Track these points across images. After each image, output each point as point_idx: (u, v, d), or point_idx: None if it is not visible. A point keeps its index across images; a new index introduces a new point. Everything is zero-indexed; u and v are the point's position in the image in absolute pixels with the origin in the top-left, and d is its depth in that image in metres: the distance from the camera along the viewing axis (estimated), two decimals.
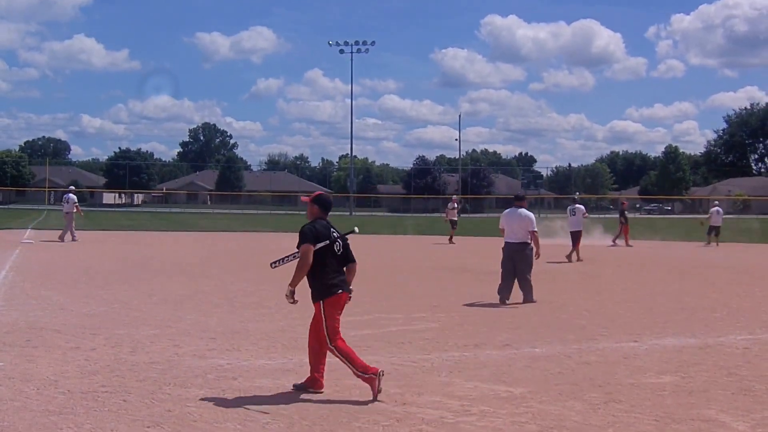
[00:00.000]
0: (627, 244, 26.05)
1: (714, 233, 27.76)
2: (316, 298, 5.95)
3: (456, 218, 27.97)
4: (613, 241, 26.49)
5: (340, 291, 5.96)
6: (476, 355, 7.55)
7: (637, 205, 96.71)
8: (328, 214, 6.22)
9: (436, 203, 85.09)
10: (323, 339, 5.92)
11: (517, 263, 11.39)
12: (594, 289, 13.62)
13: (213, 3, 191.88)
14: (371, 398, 5.76)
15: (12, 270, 15.11)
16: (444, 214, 28.07)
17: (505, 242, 11.59)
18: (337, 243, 6.03)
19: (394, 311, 10.41)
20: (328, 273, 5.94)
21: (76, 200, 25.97)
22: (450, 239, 27.17)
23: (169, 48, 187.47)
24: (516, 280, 11.45)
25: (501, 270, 11.56)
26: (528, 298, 11.39)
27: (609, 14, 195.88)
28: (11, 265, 16.02)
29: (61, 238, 24.26)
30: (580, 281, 15.04)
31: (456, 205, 28.41)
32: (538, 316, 10.19)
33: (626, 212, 27.51)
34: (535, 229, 11.49)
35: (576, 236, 20.11)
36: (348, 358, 5.87)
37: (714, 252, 24.96)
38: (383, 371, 5.84)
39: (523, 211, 11.58)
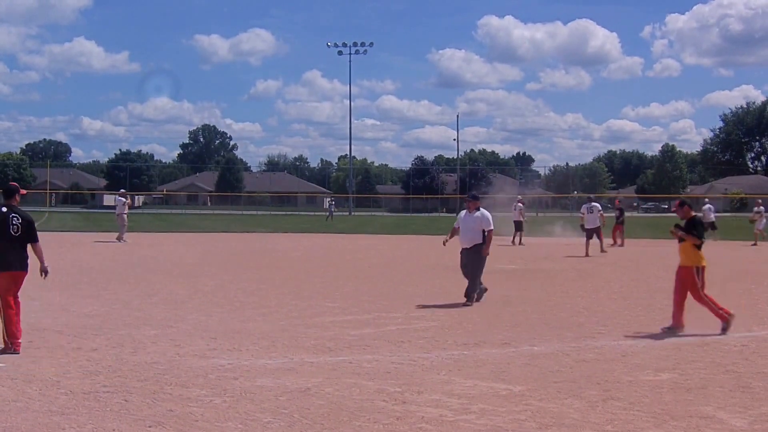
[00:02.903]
0: (615, 244, 25.32)
1: (710, 229, 28.64)
2: None
3: (520, 219, 26.52)
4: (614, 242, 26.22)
5: (11, 270, 7.35)
6: (475, 354, 7.59)
7: (635, 204, 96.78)
8: (10, 199, 7.56)
9: (434, 203, 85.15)
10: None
11: None
12: (592, 287, 13.66)
13: (211, 5, 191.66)
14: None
15: None
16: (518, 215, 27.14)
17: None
18: (12, 226, 7.33)
19: (394, 310, 10.45)
20: (2, 251, 7.30)
21: (123, 202, 26.35)
22: (514, 240, 26.01)
23: (169, 50, 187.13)
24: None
25: (483, 270, 11.39)
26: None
27: (604, 14, 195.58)
28: None
29: (119, 239, 25.37)
30: (578, 279, 15.08)
31: (521, 206, 27.00)
32: (536, 315, 10.24)
33: (617, 211, 26.66)
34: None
35: (596, 232, 21.81)
36: (7, 321, 7.26)
37: (710, 250, 24.98)
38: (18, 351, 7.13)
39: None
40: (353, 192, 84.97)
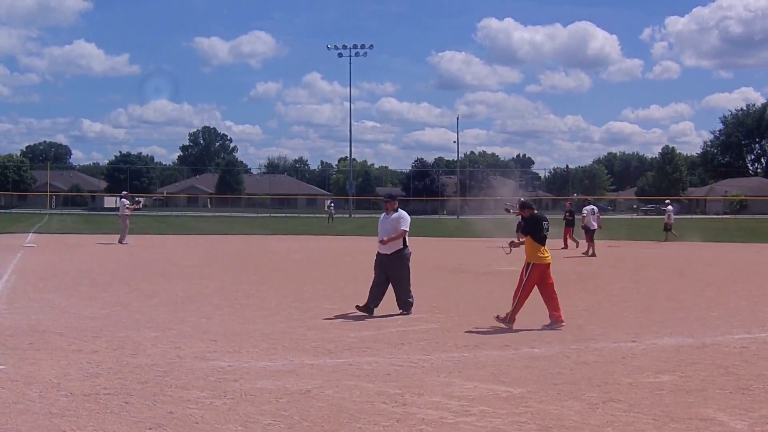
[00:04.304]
0: (564, 246, 24.75)
1: (668, 230, 30.44)
2: None
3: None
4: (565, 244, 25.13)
5: None
6: (476, 356, 7.59)
7: (635, 206, 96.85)
8: None
9: (435, 205, 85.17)
10: None
11: None
12: (591, 289, 13.66)
13: (211, 7, 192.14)
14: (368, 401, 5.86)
15: (14, 273, 15.14)
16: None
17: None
18: None
19: (394, 312, 10.44)
20: None
21: (126, 204, 26.46)
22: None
23: (169, 52, 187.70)
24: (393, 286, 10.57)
25: (409, 274, 10.54)
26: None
27: (604, 16, 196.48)
28: (13, 269, 16.06)
29: (120, 241, 25.44)
30: (578, 281, 15.07)
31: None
32: (536, 317, 10.23)
33: (567, 213, 25.98)
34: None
35: (593, 234, 22.40)
36: None
37: (714, 252, 25.01)
38: None
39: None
40: (353, 194, 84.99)
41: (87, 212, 75.80)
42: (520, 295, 9.24)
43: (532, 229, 9.46)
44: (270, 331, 8.91)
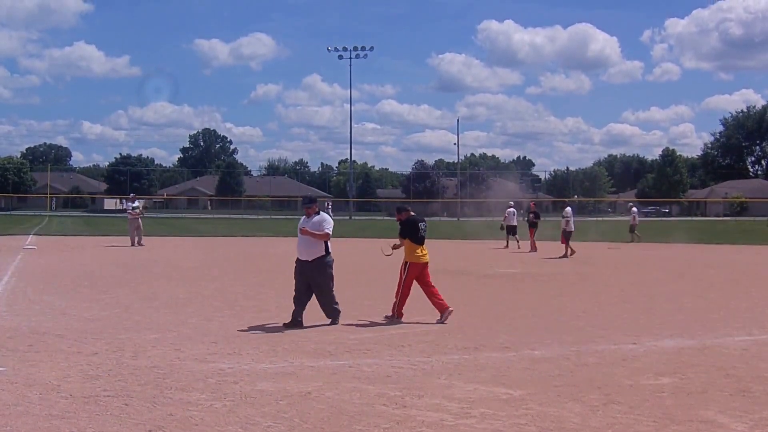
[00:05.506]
0: (533, 249, 24.83)
1: (634, 231, 31.32)
2: None
3: (514, 223, 27.09)
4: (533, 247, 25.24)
5: None
6: (476, 358, 7.59)
7: (635, 208, 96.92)
8: None
9: (435, 207, 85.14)
10: None
11: None
12: (591, 291, 13.66)
13: (212, 9, 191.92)
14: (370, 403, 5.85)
15: (14, 275, 15.14)
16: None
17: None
18: None
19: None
20: None
21: (132, 207, 26.34)
22: (509, 244, 26.57)
23: (169, 54, 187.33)
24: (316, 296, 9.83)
25: (333, 283, 9.77)
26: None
27: (604, 18, 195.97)
28: (13, 271, 16.06)
29: (132, 244, 25.24)
30: (578, 283, 15.07)
31: (513, 210, 27.40)
32: (536, 319, 10.24)
33: (531, 214, 26.47)
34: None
35: (570, 235, 22.87)
36: None
37: (711, 253, 25.02)
38: None
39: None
40: (354, 196, 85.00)
41: (87, 214, 75.78)
42: (401, 293, 9.89)
43: (410, 230, 10.00)
44: (270, 333, 8.92)
